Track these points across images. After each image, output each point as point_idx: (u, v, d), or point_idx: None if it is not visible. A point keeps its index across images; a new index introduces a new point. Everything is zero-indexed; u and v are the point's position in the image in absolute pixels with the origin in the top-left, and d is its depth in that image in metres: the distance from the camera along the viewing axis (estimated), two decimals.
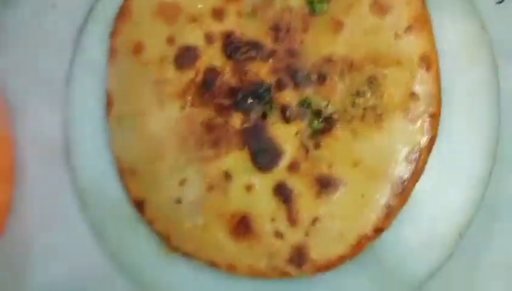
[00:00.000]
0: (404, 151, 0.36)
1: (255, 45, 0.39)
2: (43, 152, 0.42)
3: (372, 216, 0.36)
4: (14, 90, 0.43)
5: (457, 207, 0.37)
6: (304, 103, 0.38)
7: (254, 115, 0.39)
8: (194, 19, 0.40)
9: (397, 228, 0.37)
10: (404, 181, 0.36)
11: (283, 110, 0.38)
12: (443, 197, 0.37)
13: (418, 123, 0.36)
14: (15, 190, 0.42)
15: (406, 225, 0.37)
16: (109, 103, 0.41)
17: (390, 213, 0.36)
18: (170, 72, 0.40)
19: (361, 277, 0.38)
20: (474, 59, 0.38)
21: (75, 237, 0.42)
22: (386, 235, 0.37)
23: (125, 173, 0.40)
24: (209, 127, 0.39)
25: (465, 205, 0.37)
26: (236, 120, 0.39)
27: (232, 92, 0.39)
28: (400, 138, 0.36)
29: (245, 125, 0.39)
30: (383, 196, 0.36)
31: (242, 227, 0.38)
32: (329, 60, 0.37)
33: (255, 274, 0.38)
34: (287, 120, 0.38)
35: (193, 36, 0.40)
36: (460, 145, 0.37)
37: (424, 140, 0.36)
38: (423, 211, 0.37)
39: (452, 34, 0.37)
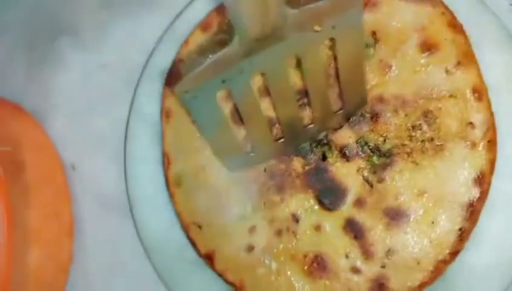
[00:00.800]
0: (468, 175, 0.37)
1: (306, 92, 0.40)
2: (100, 206, 0.44)
3: (446, 241, 0.37)
4: (71, 148, 0.45)
5: None
6: (361, 142, 0.40)
7: (314, 157, 0.40)
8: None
9: (464, 252, 0.38)
10: (472, 204, 0.37)
11: (341, 149, 0.40)
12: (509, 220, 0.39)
13: (479, 148, 0.38)
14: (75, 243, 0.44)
15: (473, 248, 0.38)
16: (167, 162, 0.42)
17: (462, 236, 0.37)
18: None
19: None
20: None
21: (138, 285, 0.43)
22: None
23: (190, 228, 0.41)
24: (271, 173, 0.40)
25: None
26: (297, 163, 0.40)
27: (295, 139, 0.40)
28: (463, 164, 0.38)
29: (307, 168, 0.40)
30: (453, 221, 0.37)
31: (317, 266, 0.39)
32: (380, 99, 0.39)
33: None
34: (347, 158, 0.39)
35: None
36: None
37: (485, 163, 0.38)
38: (490, 235, 0.39)
39: (495, 67, 0.39)
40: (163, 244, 0.42)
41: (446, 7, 0.40)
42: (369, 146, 0.39)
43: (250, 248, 0.40)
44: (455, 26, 0.39)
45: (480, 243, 0.39)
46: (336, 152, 0.40)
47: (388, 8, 0.40)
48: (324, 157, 0.40)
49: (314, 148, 0.40)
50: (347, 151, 0.39)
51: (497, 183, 0.38)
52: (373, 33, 0.40)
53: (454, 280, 0.38)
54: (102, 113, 0.45)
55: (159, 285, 0.43)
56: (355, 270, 0.38)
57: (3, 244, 0.35)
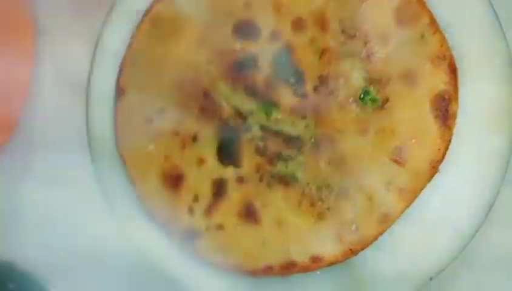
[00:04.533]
0: (310, 249, 0.40)
1: (299, 75, 0.41)
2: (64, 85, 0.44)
3: (258, 260, 0.41)
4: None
5: (436, 253, 0.41)
6: (280, 155, 0.41)
7: (240, 122, 0.41)
8: (278, 8, 0.41)
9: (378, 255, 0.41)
10: (294, 265, 0.40)
11: (261, 139, 0.41)
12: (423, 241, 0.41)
13: (338, 244, 0.40)
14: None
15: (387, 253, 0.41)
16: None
17: (269, 272, 0.41)
18: (226, 29, 0.41)
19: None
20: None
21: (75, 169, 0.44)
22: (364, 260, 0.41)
23: (129, 55, 0.43)
24: (206, 94, 0.42)
25: (444, 253, 0.41)
26: (227, 109, 0.42)
27: (250, 89, 0.41)
28: (318, 241, 0.40)
29: (229, 121, 0.41)
30: (274, 259, 0.41)
31: (174, 180, 0.42)
32: (332, 142, 0.40)
33: (151, 216, 0.43)
34: (256, 151, 0.41)
35: (266, 21, 0.41)
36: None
37: (329, 256, 0.40)
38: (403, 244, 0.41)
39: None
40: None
41: (447, 145, 0.40)
42: (285, 162, 0.41)
43: (149, 121, 0.42)
44: (434, 166, 0.40)
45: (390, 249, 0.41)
46: (257, 133, 0.41)
47: (416, 98, 0.40)
48: (246, 129, 0.41)
49: (249, 110, 0.41)
50: (261, 146, 0.41)
51: None
52: (386, 99, 0.40)
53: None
54: None
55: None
56: (191, 212, 0.42)
57: None
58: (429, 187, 0.40)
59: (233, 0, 0.41)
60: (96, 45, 0.43)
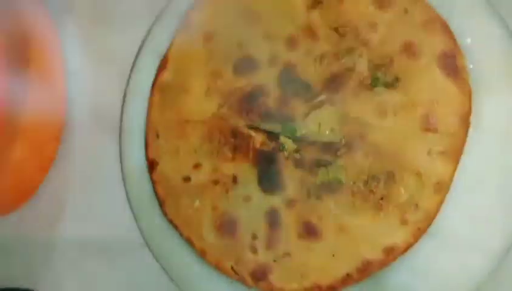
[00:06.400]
0: (383, 242, 0.40)
1: (306, 86, 0.42)
2: (93, 119, 0.47)
3: (332, 275, 0.40)
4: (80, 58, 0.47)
5: (468, 273, 0.40)
6: (320, 162, 0.41)
7: (274, 144, 0.43)
8: (269, 36, 0.43)
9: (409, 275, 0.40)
10: (371, 264, 0.40)
11: (296, 152, 0.42)
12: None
13: (406, 228, 0.40)
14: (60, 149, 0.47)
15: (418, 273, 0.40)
16: (162, 67, 0.45)
17: (346, 281, 0.40)
18: (228, 71, 0.44)
19: None
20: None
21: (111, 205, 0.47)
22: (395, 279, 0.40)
23: (149, 132, 0.45)
24: (235, 133, 0.43)
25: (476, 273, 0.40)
26: (258, 139, 0.43)
27: (267, 115, 0.43)
28: (386, 231, 0.40)
29: (263, 147, 0.43)
30: (348, 266, 0.40)
31: (228, 226, 0.43)
32: (362, 136, 0.41)
33: (219, 268, 0.43)
34: (296, 164, 0.42)
35: (261, 51, 0.43)
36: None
37: (403, 242, 0.40)
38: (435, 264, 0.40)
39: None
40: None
41: (470, 99, 0.40)
42: (326, 167, 0.42)
43: (187, 179, 0.44)
44: (465, 121, 0.40)
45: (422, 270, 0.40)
46: (291, 153, 0.42)
47: (423, 67, 0.41)
48: (281, 149, 0.43)
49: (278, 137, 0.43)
50: (299, 160, 0.42)
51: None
52: (396, 77, 0.41)
53: None
54: (117, 31, 0.47)
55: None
56: (254, 250, 0.42)
57: None
58: (461, 206, 0.40)
59: (227, 45, 0.44)
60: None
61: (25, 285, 0.47)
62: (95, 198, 0.47)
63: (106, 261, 0.47)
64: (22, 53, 0.43)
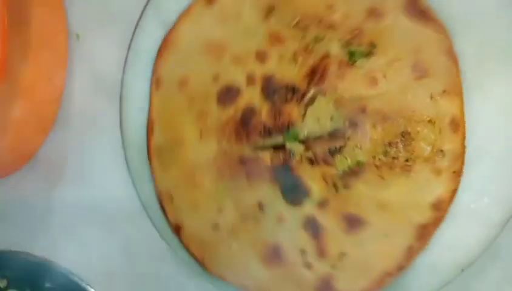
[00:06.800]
0: (427, 199, 0.38)
1: (291, 89, 0.42)
2: (93, 84, 0.45)
3: (394, 255, 0.39)
4: (80, 16, 0.46)
5: (467, 244, 0.40)
6: (334, 151, 0.40)
7: (283, 155, 0.42)
8: (238, 59, 0.43)
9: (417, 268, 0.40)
10: (426, 226, 0.39)
11: (307, 151, 0.41)
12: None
13: (443, 176, 0.39)
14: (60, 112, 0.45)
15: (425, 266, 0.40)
16: (150, 131, 0.45)
17: (411, 254, 0.39)
18: (213, 107, 0.43)
19: None
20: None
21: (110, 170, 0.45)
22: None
23: (162, 197, 0.44)
24: (243, 160, 0.42)
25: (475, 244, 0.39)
26: (267, 157, 0.42)
27: (266, 131, 0.42)
28: (425, 187, 0.39)
29: (275, 162, 0.42)
30: (404, 238, 0.39)
31: (273, 255, 0.41)
32: (362, 110, 0.40)
33: None
34: (311, 163, 0.41)
35: (236, 76, 0.43)
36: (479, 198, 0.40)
37: (445, 192, 0.38)
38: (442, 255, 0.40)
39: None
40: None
41: (447, 34, 0.40)
42: (342, 152, 0.41)
43: (216, 227, 0.43)
44: (451, 55, 0.40)
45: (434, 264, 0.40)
46: (302, 155, 0.41)
47: (392, 23, 0.41)
48: (291, 155, 0.41)
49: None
50: (313, 158, 0.41)
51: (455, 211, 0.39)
52: (371, 44, 0.41)
53: None
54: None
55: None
56: (308, 265, 0.41)
57: None
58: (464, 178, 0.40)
59: (203, 83, 0.44)
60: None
61: (21, 249, 0.46)
62: (94, 163, 0.46)
63: (103, 226, 0.45)
64: (24, 13, 0.41)
